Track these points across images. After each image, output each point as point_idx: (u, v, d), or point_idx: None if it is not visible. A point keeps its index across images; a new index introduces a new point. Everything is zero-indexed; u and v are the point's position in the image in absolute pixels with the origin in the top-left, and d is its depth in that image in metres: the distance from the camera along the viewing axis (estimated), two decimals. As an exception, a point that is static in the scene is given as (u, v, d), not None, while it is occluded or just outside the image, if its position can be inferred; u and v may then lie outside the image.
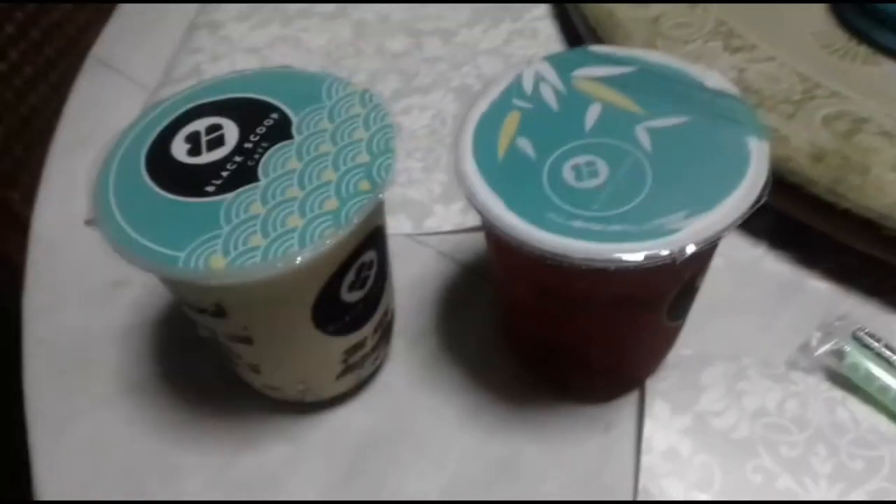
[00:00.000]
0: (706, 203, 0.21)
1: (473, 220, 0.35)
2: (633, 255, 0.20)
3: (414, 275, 0.34)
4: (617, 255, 0.20)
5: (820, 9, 0.38)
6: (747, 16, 0.37)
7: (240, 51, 0.45)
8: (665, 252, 0.20)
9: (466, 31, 0.45)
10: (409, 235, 0.35)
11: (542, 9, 0.46)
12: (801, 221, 0.31)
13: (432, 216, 0.36)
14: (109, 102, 0.45)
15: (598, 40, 0.39)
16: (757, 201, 0.21)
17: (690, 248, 0.20)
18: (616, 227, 0.21)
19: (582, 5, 0.41)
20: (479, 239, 0.35)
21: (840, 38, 0.36)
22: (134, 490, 0.28)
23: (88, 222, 0.38)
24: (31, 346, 0.33)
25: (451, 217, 0.36)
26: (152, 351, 0.33)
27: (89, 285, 0.35)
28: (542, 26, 0.45)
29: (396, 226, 0.36)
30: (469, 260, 0.34)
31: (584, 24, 0.41)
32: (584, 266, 0.21)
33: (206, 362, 0.32)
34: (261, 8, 0.48)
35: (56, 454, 0.30)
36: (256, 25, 0.47)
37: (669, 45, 0.36)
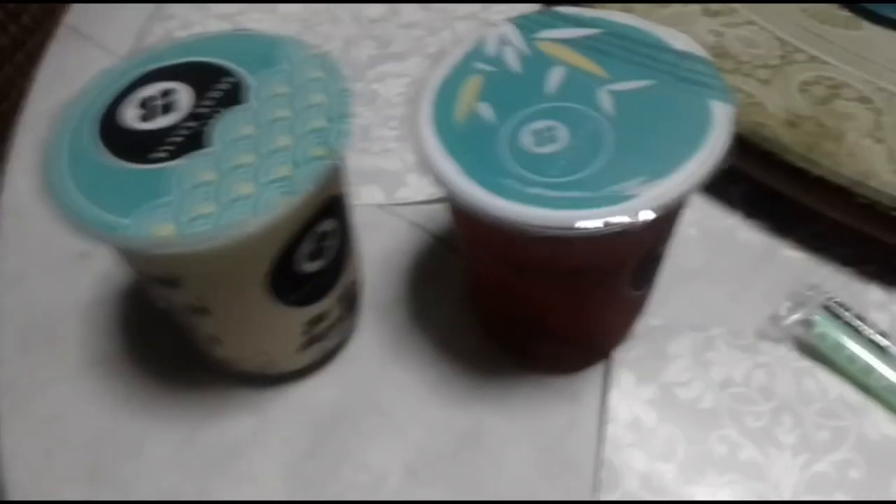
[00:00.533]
0: (665, 168, 0.21)
1: (446, 189, 0.35)
2: (589, 221, 0.20)
3: (385, 246, 0.34)
4: (572, 222, 0.20)
5: (803, -29, 0.37)
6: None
7: (213, 17, 0.44)
8: (622, 219, 0.20)
9: (445, -3, 0.44)
10: (381, 206, 0.35)
11: (522, -27, 0.45)
12: (775, 189, 0.31)
13: (405, 186, 0.36)
14: (82, 72, 0.44)
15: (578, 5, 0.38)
16: (716, 166, 0.21)
17: (647, 215, 0.20)
18: (573, 194, 0.21)
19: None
20: (451, 209, 0.34)
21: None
22: (98, 462, 0.28)
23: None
24: (-2, 318, 0.33)
25: (425, 187, 0.35)
26: (117, 324, 0.32)
27: (56, 257, 0.35)
28: (522, -11, 0.44)
29: (369, 196, 0.35)
30: (441, 231, 0.34)
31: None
32: (541, 234, 0.20)
33: (170, 335, 0.31)
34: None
35: (22, 426, 0.30)
36: (230, -9, 0.46)
37: (647, 8, 0.35)
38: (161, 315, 0.32)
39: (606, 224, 0.20)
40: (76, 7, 0.48)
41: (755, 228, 0.32)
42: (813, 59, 0.32)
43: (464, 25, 0.42)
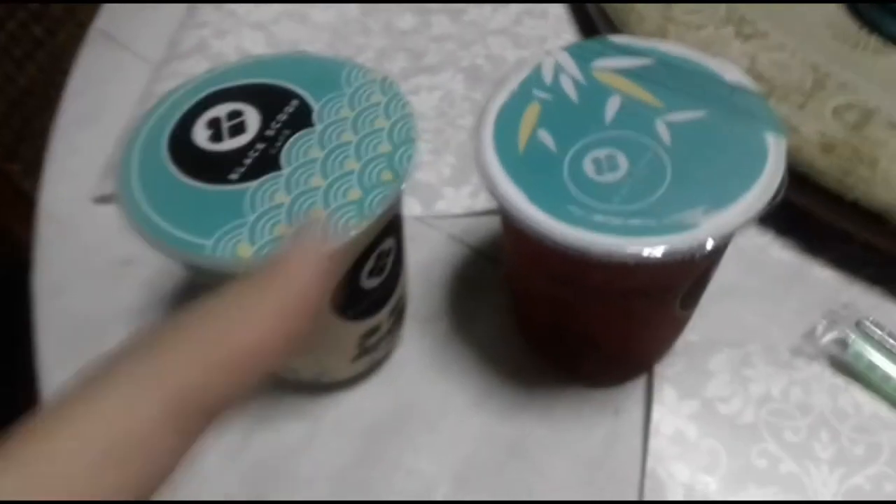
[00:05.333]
0: (724, 199, 0.22)
1: (483, 203, 0.36)
2: (653, 249, 0.21)
3: (424, 258, 0.34)
4: (637, 250, 0.21)
5: (831, -4, 0.38)
6: (759, 2, 0.37)
7: (245, 26, 0.45)
8: (685, 247, 0.21)
9: (475, 10, 0.45)
10: (419, 218, 0.36)
11: (552, -12, 0.46)
12: (807, 209, 0.32)
13: (442, 199, 0.37)
14: (114, 77, 0.45)
15: (610, 22, 0.39)
16: (774, 198, 0.22)
17: (709, 244, 0.21)
18: (636, 222, 0.22)
19: (593, -13, 0.41)
20: (490, 222, 0.35)
21: (851, 27, 0.36)
22: (152, 467, 0.29)
23: (98, 199, 0.38)
24: (44, 327, 0.34)
25: (461, 200, 0.36)
26: (165, 330, 0.33)
27: (98, 264, 0.35)
28: (551, 6, 0.45)
29: (406, 208, 0.36)
30: (479, 243, 0.35)
31: (596, 6, 0.41)
32: (605, 260, 0.21)
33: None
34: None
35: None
36: None
37: (682, 31, 0.36)
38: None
39: (669, 252, 0.21)
40: (105, 10, 0.48)
41: (787, 247, 0.33)
42: (844, 84, 0.33)
43: (495, 40, 0.43)
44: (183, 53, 0.43)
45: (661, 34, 0.37)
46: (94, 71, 0.45)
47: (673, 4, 0.38)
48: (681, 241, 0.21)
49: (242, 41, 0.44)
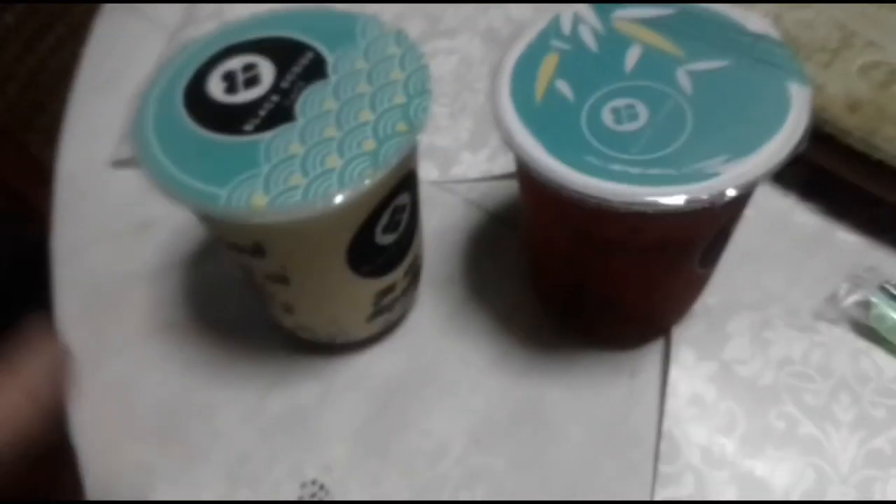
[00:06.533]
0: (746, 148, 0.21)
1: (501, 167, 0.35)
2: (673, 198, 0.20)
3: (441, 222, 0.34)
4: (656, 199, 0.20)
5: (860, -45, 0.36)
6: (784, -39, 0.36)
7: (262, -8, 0.45)
8: (705, 196, 0.20)
9: (493, -26, 0.44)
10: (435, 182, 0.35)
11: (571, -48, 0.45)
12: (832, 172, 0.31)
13: (459, 163, 0.36)
14: (130, 44, 0.44)
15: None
16: (796, 147, 0.21)
17: (731, 192, 0.20)
18: (655, 171, 0.21)
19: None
20: (507, 187, 0.35)
21: (879, -15, 0.35)
22: (168, 427, 0.29)
23: (116, 163, 0.38)
24: (62, 288, 0.34)
25: (479, 164, 0.36)
26: (182, 292, 0.33)
27: (116, 227, 0.36)
28: (570, -29, 0.44)
29: (423, 173, 0.35)
30: (496, 208, 0.35)
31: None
32: (623, 209, 0.21)
33: (235, 303, 0.32)
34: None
35: (90, 393, 0.30)
36: (278, -34, 0.46)
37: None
38: (224, 283, 0.33)
39: (690, 201, 0.20)
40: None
41: (810, 211, 0.32)
42: (870, 43, 0.32)
43: (514, 4, 0.43)
44: (199, 19, 0.43)
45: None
46: (111, 38, 0.45)
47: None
48: (701, 190, 0.20)
49: (259, 7, 0.44)
